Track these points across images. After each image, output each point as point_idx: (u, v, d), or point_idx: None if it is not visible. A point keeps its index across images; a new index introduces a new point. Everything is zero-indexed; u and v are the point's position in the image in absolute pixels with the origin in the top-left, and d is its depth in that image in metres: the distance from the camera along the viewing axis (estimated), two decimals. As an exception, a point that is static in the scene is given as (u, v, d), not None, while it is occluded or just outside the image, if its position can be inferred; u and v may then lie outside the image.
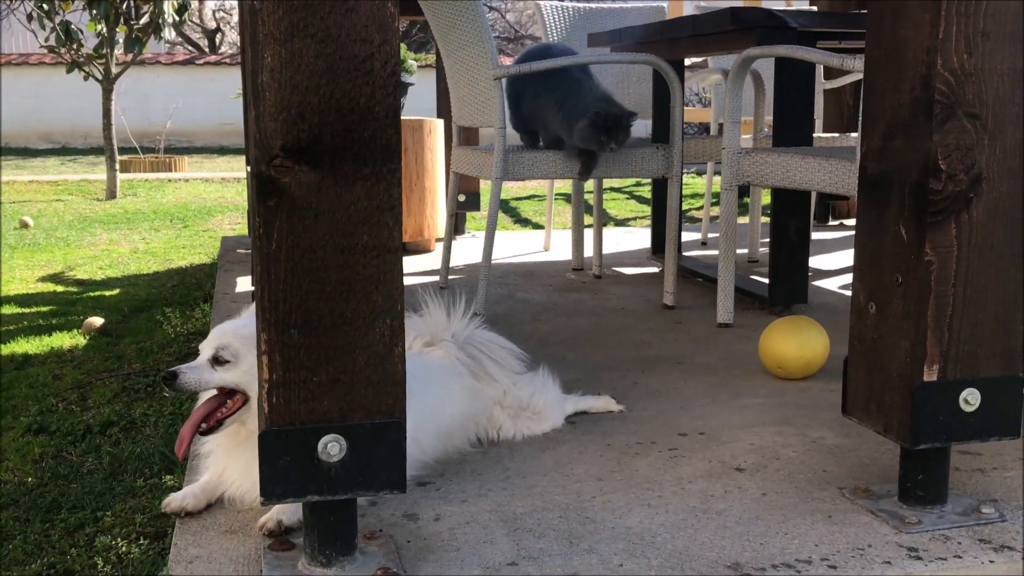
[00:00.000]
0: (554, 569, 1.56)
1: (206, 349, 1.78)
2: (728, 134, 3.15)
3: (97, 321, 3.79)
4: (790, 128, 3.40)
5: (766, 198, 6.01)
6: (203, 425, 1.76)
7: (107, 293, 4.70)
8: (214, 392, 1.79)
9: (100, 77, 8.82)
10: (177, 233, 6.68)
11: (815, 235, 5.21)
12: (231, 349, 1.75)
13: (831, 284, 4.02)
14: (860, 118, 1.88)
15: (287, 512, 1.72)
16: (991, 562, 1.59)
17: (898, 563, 1.58)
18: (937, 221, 1.61)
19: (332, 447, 1.48)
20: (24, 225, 6.90)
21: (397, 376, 1.51)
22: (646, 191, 8.93)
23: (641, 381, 2.64)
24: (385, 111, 1.43)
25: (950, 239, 1.62)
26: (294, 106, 1.41)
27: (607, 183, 9.45)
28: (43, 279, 5.19)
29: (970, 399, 1.67)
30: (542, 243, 5.14)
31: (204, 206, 7.99)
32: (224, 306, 3.56)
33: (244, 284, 4.01)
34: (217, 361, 1.76)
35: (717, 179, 5.80)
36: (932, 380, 1.65)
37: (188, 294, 4.47)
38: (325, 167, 1.43)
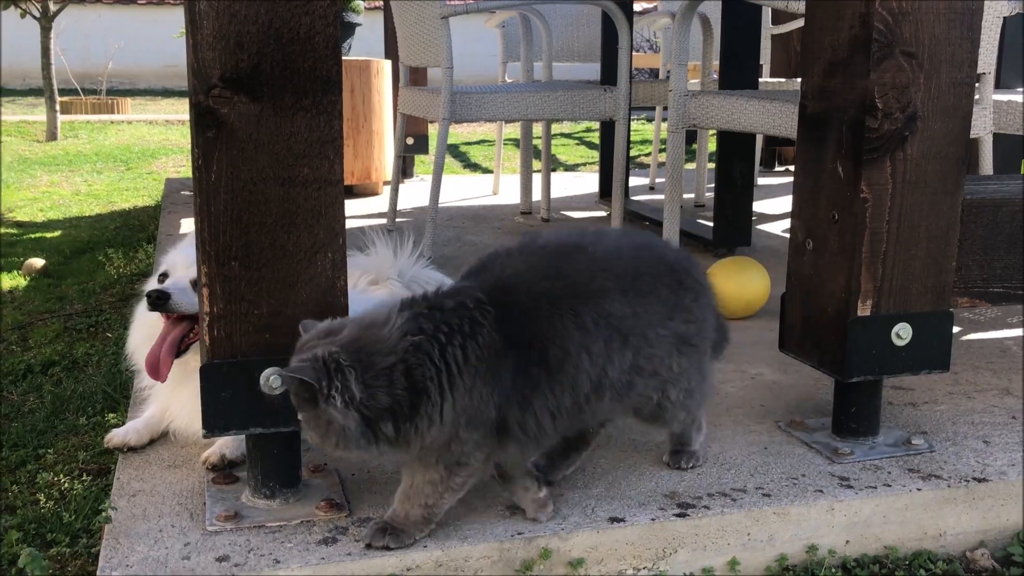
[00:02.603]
0: (493, 499, 1.59)
1: (183, 271, 1.75)
2: (675, 76, 3.15)
3: (38, 262, 3.72)
4: (735, 71, 3.42)
5: (713, 145, 6.05)
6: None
7: (48, 235, 4.62)
8: (158, 318, 1.77)
9: (38, 15, 8.57)
10: (120, 175, 6.56)
11: (762, 180, 5.27)
12: None
13: (775, 228, 4.07)
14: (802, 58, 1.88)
15: (230, 446, 1.72)
16: (918, 490, 1.65)
17: (830, 491, 1.63)
18: (873, 159, 1.64)
19: (275, 380, 1.49)
20: None
21: (339, 309, 1.51)
22: (596, 137, 8.94)
23: (586, 321, 2.67)
24: (325, 41, 1.42)
25: (885, 177, 1.65)
26: (232, 35, 1.39)
27: (557, 128, 9.43)
28: (-19, 221, 5.08)
29: (902, 333, 1.72)
30: (491, 187, 5.14)
31: (148, 148, 7.84)
32: (168, 247, 3.52)
33: (188, 225, 3.97)
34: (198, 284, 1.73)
35: (666, 125, 5.83)
36: (865, 315, 1.69)
37: (131, 236, 4.40)
38: (265, 98, 1.41)
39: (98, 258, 3.91)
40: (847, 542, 1.62)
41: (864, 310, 1.69)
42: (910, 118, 1.64)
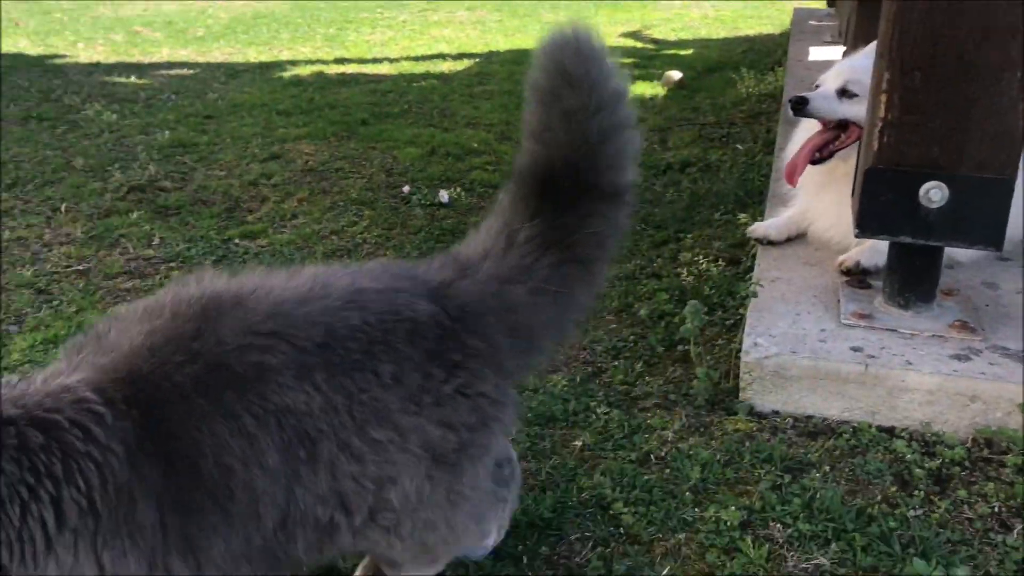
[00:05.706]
0: None
1: (831, 81, 1.85)
2: None
3: (676, 75, 4.02)
4: None
5: None
6: (816, 155, 1.85)
7: (681, 52, 4.94)
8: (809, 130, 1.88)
9: None
10: (744, 3, 6.76)
11: None
12: (861, 84, 1.78)
13: None
14: None
15: (866, 255, 1.80)
16: None
17: None
18: None
19: (934, 194, 1.51)
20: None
21: (1015, 133, 1.48)
22: None
23: None
24: None
25: None
26: None
27: None
28: (623, 35, 5.57)
29: None
30: None
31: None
32: (798, 72, 3.60)
33: (816, 53, 4.00)
34: (844, 93, 1.82)
35: None
36: None
37: (758, 60, 4.55)
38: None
39: (728, 76, 4.12)
40: None
41: None
42: None
